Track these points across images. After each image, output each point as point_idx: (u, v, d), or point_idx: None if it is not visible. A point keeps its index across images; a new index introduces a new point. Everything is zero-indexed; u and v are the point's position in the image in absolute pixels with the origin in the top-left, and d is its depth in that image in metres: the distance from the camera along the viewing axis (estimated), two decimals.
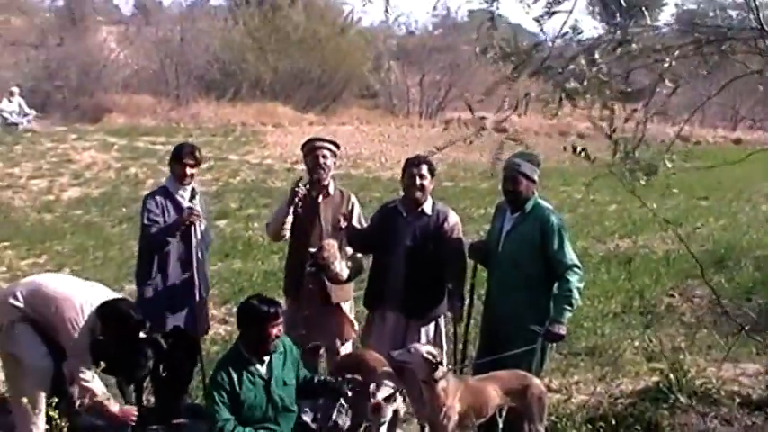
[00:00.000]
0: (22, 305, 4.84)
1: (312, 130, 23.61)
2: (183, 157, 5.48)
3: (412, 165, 5.31)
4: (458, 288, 5.28)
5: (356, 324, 5.81)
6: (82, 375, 4.79)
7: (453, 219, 5.39)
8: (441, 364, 4.63)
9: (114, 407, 4.85)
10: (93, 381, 4.81)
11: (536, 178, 5.05)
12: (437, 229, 5.29)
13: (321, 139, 5.73)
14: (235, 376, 4.38)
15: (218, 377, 4.40)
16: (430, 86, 30.87)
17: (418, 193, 5.27)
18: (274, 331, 4.41)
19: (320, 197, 5.59)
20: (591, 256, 11.32)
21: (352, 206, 5.68)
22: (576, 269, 4.87)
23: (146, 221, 5.40)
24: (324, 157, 5.58)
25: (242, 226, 12.69)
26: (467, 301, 5.45)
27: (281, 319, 4.45)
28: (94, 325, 4.78)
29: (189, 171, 5.48)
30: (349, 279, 5.50)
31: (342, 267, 5.40)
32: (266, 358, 4.51)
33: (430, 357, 4.53)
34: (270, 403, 4.46)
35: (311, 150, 5.62)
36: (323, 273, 5.38)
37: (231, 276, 9.23)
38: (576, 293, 4.80)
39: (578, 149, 3.59)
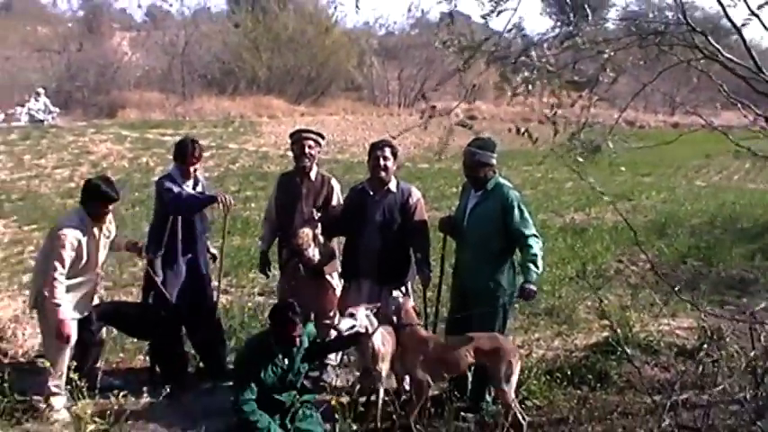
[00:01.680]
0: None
1: (303, 121, 23.53)
2: (186, 158, 5.32)
3: (376, 148, 5.28)
4: (425, 257, 5.22)
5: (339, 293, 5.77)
6: (54, 273, 4.73)
7: (416, 195, 5.35)
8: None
9: (63, 315, 4.75)
10: (60, 285, 4.74)
11: (493, 162, 4.99)
12: (403, 205, 5.26)
13: (307, 130, 5.67)
14: (260, 362, 4.54)
15: (246, 359, 4.59)
16: (407, 79, 30.69)
17: (383, 173, 5.23)
18: (295, 333, 4.55)
19: (303, 183, 5.56)
20: (550, 227, 11.35)
21: (332, 189, 5.64)
22: (535, 238, 4.82)
23: (175, 190, 5.24)
24: (309, 146, 5.53)
25: (241, 206, 12.56)
26: (438, 270, 5.43)
27: (299, 325, 4.59)
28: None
29: (192, 168, 5.36)
30: (321, 264, 5.49)
31: (314, 253, 5.41)
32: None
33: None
34: (282, 386, 4.64)
35: (298, 140, 5.57)
36: (297, 257, 5.41)
37: (231, 251, 9.14)
38: (539, 259, 4.76)
39: (521, 131, 3.54)
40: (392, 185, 5.30)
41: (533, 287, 4.70)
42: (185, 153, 5.35)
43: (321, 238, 5.46)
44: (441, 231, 5.26)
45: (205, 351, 5.65)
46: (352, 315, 4.67)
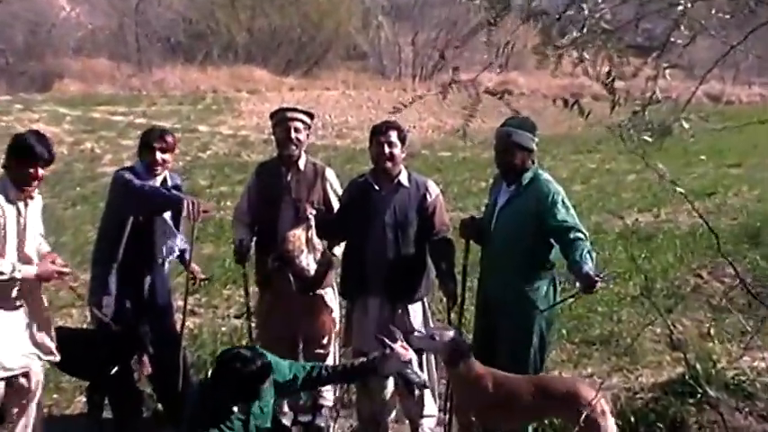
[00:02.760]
0: None
1: (292, 97, 23.60)
2: (151, 141, 5.36)
3: (378, 132, 5.32)
4: (449, 267, 5.25)
5: (337, 314, 5.81)
6: None
7: (434, 190, 5.41)
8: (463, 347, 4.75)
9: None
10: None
11: (532, 146, 5.01)
12: (418, 203, 5.30)
13: (293, 109, 5.73)
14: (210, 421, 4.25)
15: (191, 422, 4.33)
16: (424, 45, 30.75)
17: (388, 164, 5.28)
18: (259, 385, 4.29)
19: (289, 174, 5.59)
20: (606, 232, 11.32)
21: (327, 181, 5.68)
22: (582, 233, 4.76)
23: (137, 183, 5.25)
24: (296, 129, 5.57)
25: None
26: (459, 284, 5.43)
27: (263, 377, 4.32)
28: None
29: (160, 157, 5.36)
30: (317, 275, 5.50)
31: (309, 262, 5.42)
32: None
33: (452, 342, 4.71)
34: None
35: (281, 121, 5.62)
36: (288, 268, 5.40)
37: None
38: (592, 254, 4.64)
39: (569, 103, 3.49)
40: (403, 178, 5.35)
41: (593, 272, 4.48)
42: (149, 135, 5.41)
43: (317, 242, 5.49)
44: (462, 236, 5.31)
45: (165, 389, 5.63)
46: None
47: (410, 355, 4.56)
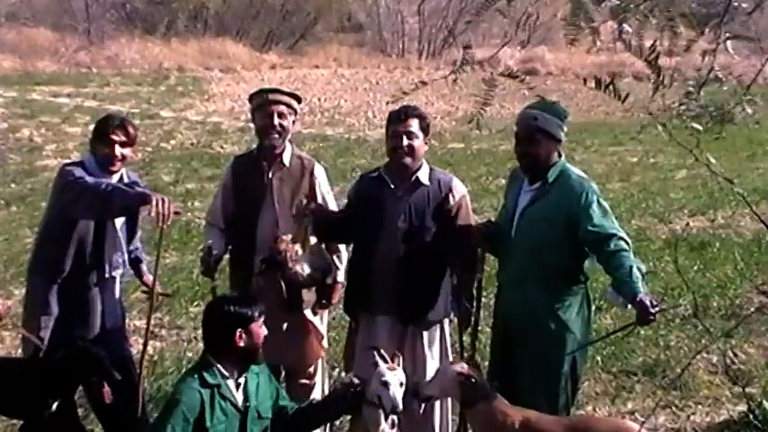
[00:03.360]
0: None
1: (274, 76, 23.87)
2: (109, 132, 5.30)
3: (396, 120, 5.34)
4: (467, 284, 5.32)
5: (326, 337, 5.87)
6: None
7: (460, 190, 5.44)
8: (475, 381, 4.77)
9: None
10: None
11: (560, 135, 5.01)
12: (439, 205, 5.33)
13: (276, 90, 5.77)
14: (203, 402, 4.49)
15: (181, 399, 4.47)
16: (432, 15, 30.72)
17: (407, 159, 5.31)
18: (262, 333, 4.66)
19: (271, 171, 5.63)
20: (651, 239, 11.30)
21: (315, 179, 5.72)
22: (625, 242, 4.76)
23: (89, 180, 5.16)
24: (280, 115, 5.60)
25: (178, 206, 12.57)
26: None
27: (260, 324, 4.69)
28: None
29: (119, 151, 5.31)
30: (311, 282, 5.51)
31: (303, 266, 5.40)
32: (241, 381, 4.67)
33: (462, 377, 4.74)
34: None
35: (262, 106, 5.66)
36: (278, 272, 5.39)
37: (163, 275, 9.07)
38: (639, 268, 4.62)
39: (603, 83, 3.46)
40: (422, 175, 5.37)
41: (648, 298, 4.47)
42: (106, 124, 5.38)
43: (312, 245, 5.50)
44: (476, 244, 5.33)
45: (116, 427, 5.57)
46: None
47: (397, 377, 4.72)
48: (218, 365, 4.57)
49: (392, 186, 5.35)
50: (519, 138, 5.06)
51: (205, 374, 4.53)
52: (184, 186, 13.95)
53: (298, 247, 5.39)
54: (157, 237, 5.25)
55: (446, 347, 5.47)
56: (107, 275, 5.43)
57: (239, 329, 4.54)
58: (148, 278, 5.68)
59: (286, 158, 5.66)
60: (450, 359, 5.36)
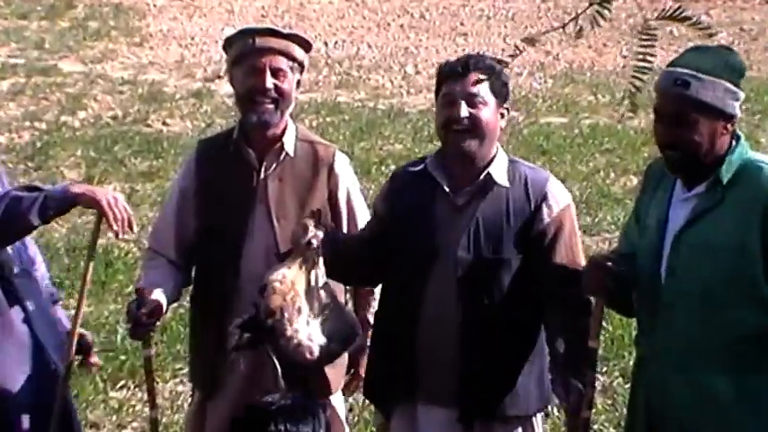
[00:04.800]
0: None
1: (250, 5, 20.07)
2: None
3: (451, 75, 4.29)
4: (576, 355, 4.23)
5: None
6: None
7: (560, 197, 4.37)
8: None
9: None
10: None
11: (736, 109, 3.92)
12: (527, 222, 4.29)
13: (268, 31, 4.73)
14: None
15: None
16: None
17: (470, 142, 4.21)
18: None
19: (264, 164, 4.57)
20: None
21: (338, 179, 4.71)
22: None
23: None
24: (276, 72, 4.54)
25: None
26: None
27: None
28: None
29: None
30: (327, 359, 4.45)
31: (311, 334, 4.33)
32: None
33: None
34: None
35: (246, 56, 4.61)
36: (269, 345, 4.32)
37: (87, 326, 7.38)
38: None
39: None
40: (497, 171, 4.29)
41: None
42: None
43: (325, 296, 4.42)
44: (590, 290, 4.19)
45: None
46: None
47: None
48: None
49: (447, 189, 4.27)
50: (661, 115, 3.91)
51: None
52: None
53: (301, 296, 4.25)
54: (85, 267, 4.50)
55: None
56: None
57: None
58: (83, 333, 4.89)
59: (288, 144, 4.62)
60: None
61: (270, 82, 4.48)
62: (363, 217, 4.78)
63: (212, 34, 16.30)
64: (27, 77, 14.65)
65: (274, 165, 4.60)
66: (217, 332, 4.51)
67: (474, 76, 4.19)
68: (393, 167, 6.84)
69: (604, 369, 5.20)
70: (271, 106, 4.50)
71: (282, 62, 4.55)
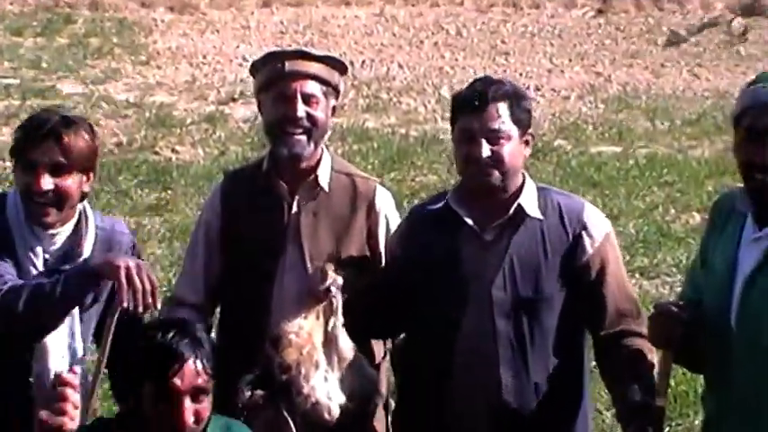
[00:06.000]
0: None
1: (268, 21, 19.67)
2: (27, 147, 4.23)
3: (468, 106, 4.16)
4: (639, 414, 4.03)
5: None
6: None
7: (599, 224, 4.30)
8: None
9: None
10: None
11: None
12: (565, 257, 4.21)
13: (299, 54, 4.63)
14: None
15: None
16: None
17: (492, 175, 4.15)
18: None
19: (297, 199, 4.54)
20: None
21: (379, 215, 4.68)
22: None
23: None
24: (307, 99, 4.48)
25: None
26: None
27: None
28: None
29: (48, 182, 4.14)
30: (346, 419, 4.43)
31: (331, 390, 4.38)
32: None
33: None
34: None
35: (275, 81, 4.57)
36: (283, 404, 4.33)
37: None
38: None
39: None
40: (527, 201, 4.27)
41: None
42: (25, 154, 4.27)
43: (345, 346, 4.43)
44: (656, 343, 4.13)
45: None
46: None
47: None
48: None
49: (473, 226, 4.27)
50: (758, 133, 3.80)
51: None
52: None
53: (318, 349, 4.37)
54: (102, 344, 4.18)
55: None
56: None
57: None
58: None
59: (323, 176, 4.63)
60: None
61: (302, 110, 4.43)
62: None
63: (226, 52, 15.85)
64: (22, 100, 14.09)
65: (308, 199, 4.54)
66: (238, 378, 4.42)
67: (493, 110, 4.09)
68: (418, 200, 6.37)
69: (667, 430, 5.05)
70: (303, 137, 4.44)
71: (315, 87, 4.50)
